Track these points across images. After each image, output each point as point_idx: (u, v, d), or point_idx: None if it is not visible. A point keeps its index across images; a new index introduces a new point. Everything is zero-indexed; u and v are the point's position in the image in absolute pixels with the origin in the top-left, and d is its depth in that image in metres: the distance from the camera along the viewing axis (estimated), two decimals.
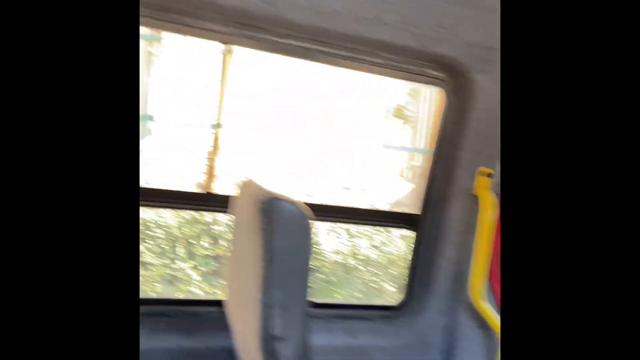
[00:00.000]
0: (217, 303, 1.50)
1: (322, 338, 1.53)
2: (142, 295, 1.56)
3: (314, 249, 0.87)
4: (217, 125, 1.52)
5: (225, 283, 1.29)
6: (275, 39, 1.29)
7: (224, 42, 1.34)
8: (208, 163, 1.48)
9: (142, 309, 1.45)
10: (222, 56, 1.49)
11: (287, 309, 0.83)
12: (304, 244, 0.86)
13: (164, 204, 1.50)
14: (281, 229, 0.86)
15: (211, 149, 1.54)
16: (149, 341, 1.36)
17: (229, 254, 1.26)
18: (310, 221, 0.88)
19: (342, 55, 1.37)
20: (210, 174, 1.47)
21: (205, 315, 1.48)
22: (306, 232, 0.87)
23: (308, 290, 0.85)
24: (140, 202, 1.48)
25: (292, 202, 0.89)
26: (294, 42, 1.32)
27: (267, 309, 0.82)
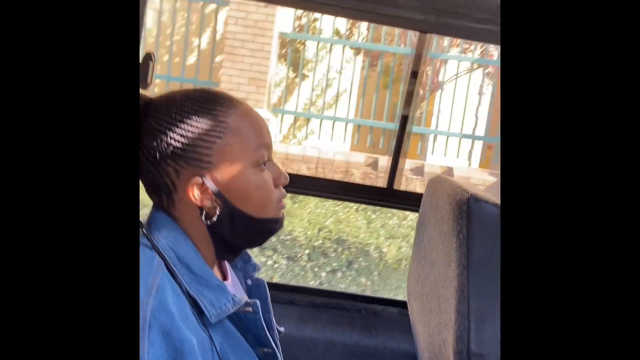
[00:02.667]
0: (398, 304, 1.46)
1: None
2: (323, 287, 1.59)
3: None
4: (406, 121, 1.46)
5: (408, 285, 1.23)
6: (475, 25, 1.18)
7: (422, 31, 1.27)
8: (393, 157, 1.43)
9: (322, 300, 1.47)
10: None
11: (491, 324, 0.73)
12: None
13: (349, 198, 1.50)
14: (483, 233, 0.77)
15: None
16: (327, 334, 1.36)
17: (413, 255, 1.19)
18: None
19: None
20: (395, 170, 1.42)
21: (385, 314, 1.44)
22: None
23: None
24: (320, 194, 1.50)
25: (494, 204, 0.79)
26: (493, 28, 1.20)
27: (466, 322, 0.74)
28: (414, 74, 1.50)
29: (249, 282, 0.85)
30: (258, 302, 0.71)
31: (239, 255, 0.79)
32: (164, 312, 0.60)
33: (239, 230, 0.71)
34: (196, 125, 0.67)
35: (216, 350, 0.65)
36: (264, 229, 0.73)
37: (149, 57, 1.06)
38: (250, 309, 0.70)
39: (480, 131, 5.34)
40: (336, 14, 1.22)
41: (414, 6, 1.15)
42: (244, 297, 0.71)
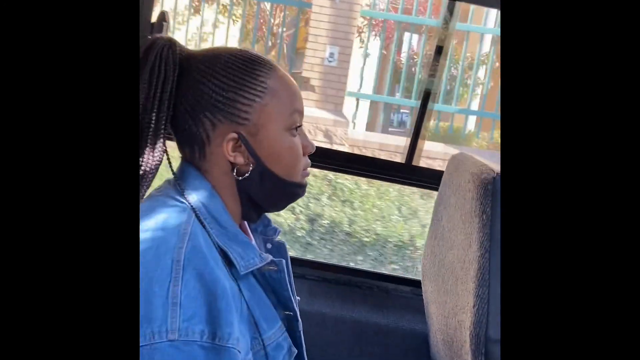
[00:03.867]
0: (411, 282, 1.43)
1: None
2: (335, 262, 1.56)
3: None
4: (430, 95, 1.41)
5: (423, 264, 1.19)
6: None
7: None
8: (413, 133, 1.38)
9: (333, 276, 1.45)
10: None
11: None
12: None
13: (367, 173, 1.46)
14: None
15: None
16: (338, 309, 1.34)
17: (429, 234, 1.16)
18: None
19: None
20: (414, 146, 1.37)
21: (397, 293, 1.42)
22: None
23: None
24: (341, 168, 1.46)
25: None
26: None
27: (485, 306, 0.71)
28: (439, 49, 1.45)
29: (269, 245, 0.85)
30: (283, 260, 0.72)
31: (261, 217, 0.80)
32: (198, 254, 0.62)
33: (266, 190, 0.73)
34: (239, 81, 0.69)
35: (245, 300, 0.67)
36: (289, 191, 0.75)
37: (162, 17, 1.02)
38: (274, 267, 0.71)
39: (368, 90, 5.31)
40: None
41: None
42: (269, 255, 0.72)
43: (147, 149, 0.67)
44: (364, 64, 4.93)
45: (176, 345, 0.57)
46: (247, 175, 0.71)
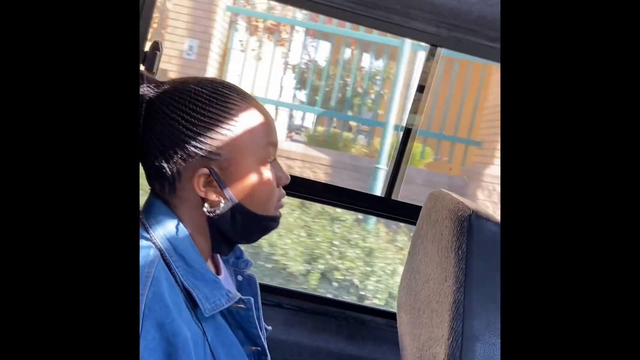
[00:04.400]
0: (386, 314, 1.45)
1: None
2: (311, 292, 1.58)
3: None
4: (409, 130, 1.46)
5: (398, 297, 1.22)
6: (486, 42, 1.18)
7: (433, 44, 1.27)
8: (393, 168, 1.42)
9: (310, 305, 1.45)
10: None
11: (484, 343, 0.73)
12: None
13: (346, 206, 1.49)
14: (483, 251, 0.76)
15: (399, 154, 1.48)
16: (314, 339, 1.35)
17: (406, 267, 1.18)
18: None
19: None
20: (394, 180, 1.41)
21: (372, 324, 1.43)
22: None
23: None
24: (319, 199, 1.49)
25: (496, 222, 0.78)
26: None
27: (460, 338, 0.73)
28: (421, 88, 1.50)
29: (240, 278, 0.84)
30: (252, 299, 0.71)
31: (232, 250, 0.79)
32: (159, 303, 0.59)
33: (238, 225, 0.71)
34: (209, 116, 0.67)
35: (209, 344, 0.65)
36: (262, 225, 0.73)
37: (155, 46, 1.05)
38: (242, 305, 0.70)
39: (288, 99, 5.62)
40: (350, 20, 1.22)
41: (427, 19, 1.14)
42: (237, 294, 0.70)
43: None
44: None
45: None
46: (218, 211, 0.69)
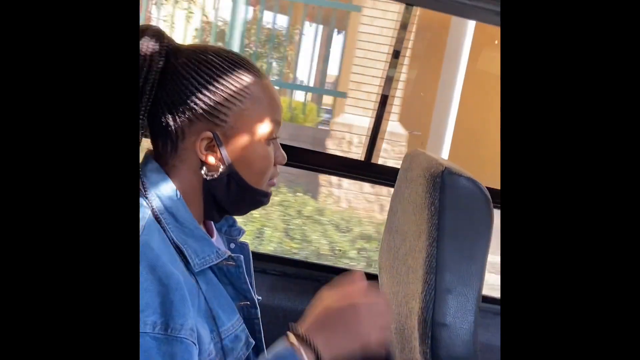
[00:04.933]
0: (370, 276, 1.46)
1: (480, 334, 1.40)
2: (294, 257, 1.59)
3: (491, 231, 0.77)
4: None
5: (379, 258, 1.23)
6: (467, 1, 1.17)
7: (408, 3, 1.25)
8: (372, 132, 1.42)
9: (293, 270, 1.47)
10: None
11: (457, 295, 0.74)
12: (480, 225, 0.76)
13: (327, 170, 1.49)
14: (455, 205, 0.77)
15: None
16: (298, 304, 1.37)
17: (385, 228, 1.20)
18: (488, 200, 0.78)
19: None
20: (374, 144, 1.41)
21: None
22: (483, 211, 0.77)
23: (482, 277, 0.75)
24: (304, 166, 1.49)
25: (468, 178, 0.79)
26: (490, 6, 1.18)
27: (432, 292, 0.75)
28: (396, 54, 1.49)
29: (232, 245, 0.86)
30: (242, 256, 0.73)
31: (223, 218, 0.81)
32: (150, 250, 0.62)
33: (231, 194, 0.73)
34: (223, 83, 0.69)
35: (203, 294, 0.67)
36: (254, 199, 0.75)
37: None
38: (232, 262, 0.72)
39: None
40: None
41: None
42: (227, 251, 0.72)
43: None
44: None
45: None
46: (215, 176, 0.71)
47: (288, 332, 0.67)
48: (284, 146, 1.45)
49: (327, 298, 0.71)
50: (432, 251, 0.77)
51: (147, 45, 0.68)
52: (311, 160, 1.48)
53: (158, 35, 0.70)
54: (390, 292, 1.07)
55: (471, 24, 5.31)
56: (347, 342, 0.66)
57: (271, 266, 1.47)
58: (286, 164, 1.47)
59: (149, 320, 0.59)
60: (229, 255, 0.72)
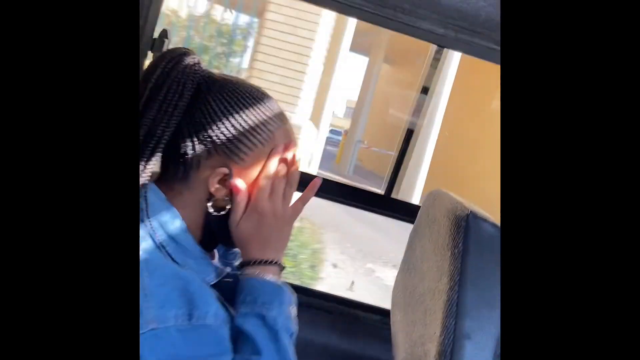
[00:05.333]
0: (380, 311, 1.45)
1: None
2: (306, 286, 1.59)
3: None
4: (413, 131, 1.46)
5: (393, 294, 1.23)
6: (492, 45, 1.19)
7: (440, 45, 1.27)
8: (394, 166, 1.43)
9: (305, 299, 1.46)
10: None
11: (476, 342, 0.73)
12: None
13: (346, 202, 1.49)
14: (479, 250, 0.77)
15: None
16: (307, 333, 1.36)
17: (402, 265, 1.19)
18: None
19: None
20: (395, 178, 1.42)
21: (367, 321, 1.44)
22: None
23: (500, 324, 0.75)
24: (323, 195, 1.49)
25: (493, 223, 0.79)
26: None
27: (451, 336, 0.74)
28: (425, 90, 1.50)
29: (229, 269, 0.85)
30: (239, 274, 0.74)
31: (216, 247, 0.81)
32: (153, 262, 0.63)
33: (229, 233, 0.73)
34: (249, 123, 0.70)
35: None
36: None
37: (164, 34, 1.06)
38: (231, 279, 0.74)
39: None
40: (357, 17, 1.22)
41: (435, 20, 1.15)
42: (226, 269, 0.74)
43: (142, 161, 0.67)
44: None
45: (156, 333, 0.57)
46: (222, 212, 0.71)
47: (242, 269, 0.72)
48: (305, 173, 1.47)
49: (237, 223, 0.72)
50: (453, 295, 0.76)
51: (184, 69, 0.68)
52: (330, 190, 1.49)
53: (196, 62, 0.70)
54: (404, 330, 1.06)
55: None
56: (276, 236, 0.72)
57: None
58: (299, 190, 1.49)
59: (170, 314, 0.59)
60: (228, 273, 0.73)
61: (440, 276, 0.83)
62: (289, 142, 0.74)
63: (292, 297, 0.73)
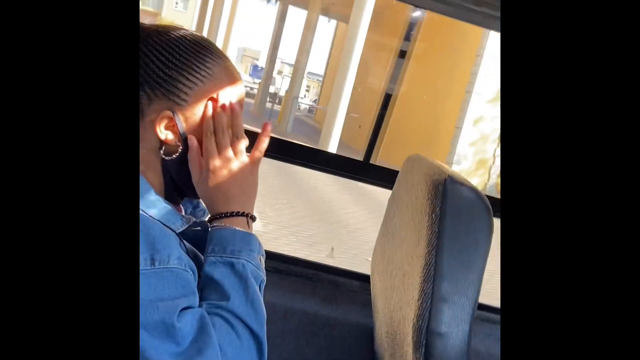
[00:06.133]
0: (360, 277, 1.46)
1: (481, 343, 1.41)
2: (288, 254, 1.58)
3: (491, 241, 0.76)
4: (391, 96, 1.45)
5: (372, 260, 1.23)
6: (472, 6, 1.16)
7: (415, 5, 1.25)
8: (372, 133, 1.42)
9: (285, 267, 1.46)
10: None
11: (453, 304, 0.74)
12: (480, 235, 0.76)
13: (325, 169, 1.48)
14: (456, 214, 0.77)
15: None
16: (288, 300, 1.36)
17: (381, 231, 1.19)
18: (489, 210, 0.78)
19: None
20: (373, 145, 1.41)
21: (347, 286, 1.45)
22: (484, 221, 0.76)
23: (479, 287, 0.75)
24: (298, 162, 1.48)
25: (470, 187, 0.79)
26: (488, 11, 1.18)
27: (429, 300, 0.74)
28: (402, 54, 1.48)
29: (198, 228, 0.85)
30: (206, 221, 0.74)
31: (183, 199, 0.80)
32: None
33: (188, 174, 0.72)
34: (185, 61, 0.69)
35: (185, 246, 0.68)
36: None
37: None
38: (199, 227, 0.73)
39: None
40: None
41: None
42: (192, 217, 0.73)
43: None
44: None
45: None
46: (174, 157, 0.70)
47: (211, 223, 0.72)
48: (284, 142, 1.45)
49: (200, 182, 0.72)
50: (431, 259, 0.76)
51: None
52: (308, 158, 1.48)
53: None
54: (383, 295, 1.06)
55: None
56: (237, 190, 0.72)
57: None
58: (283, 160, 1.47)
59: None
60: (194, 221, 0.72)
61: (418, 241, 0.83)
62: (232, 79, 0.73)
63: (261, 247, 0.72)
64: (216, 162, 0.70)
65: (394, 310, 0.93)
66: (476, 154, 9.87)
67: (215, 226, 0.71)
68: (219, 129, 0.71)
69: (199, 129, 0.70)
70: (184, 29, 0.73)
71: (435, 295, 0.75)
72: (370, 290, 1.23)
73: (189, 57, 0.69)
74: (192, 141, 0.70)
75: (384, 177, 1.45)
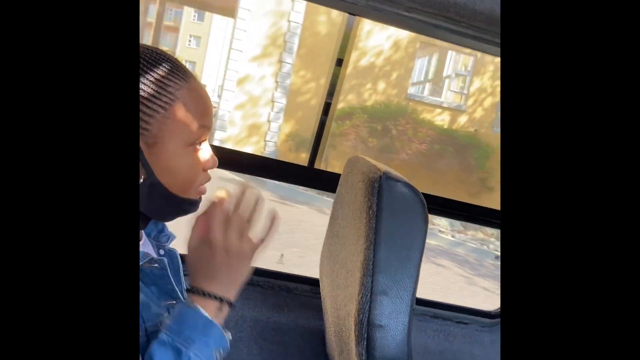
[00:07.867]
0: (310, 281, 1.47)
1: (431, 340, 1.44)
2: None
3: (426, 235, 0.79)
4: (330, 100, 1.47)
5: (320, 262, 1.24)
6: (403, 12, 1.21)
7: (351, 13, 1.28)
8: (315, 138, 1.43)
9: (258, 279, 1.45)
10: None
11: (391, 297, 0.76)
12: (415, 229, 0.79)
13: (270, 176, 1.49)
14: (392, 209, 0.79)
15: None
16: (239, 309, 1.36)
17: (327, 233, 1.21)
18: (424, 205, 0.80)
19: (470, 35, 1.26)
20: (316, 150, 1.43)
21: (298, 291, 1.46)
22: (419, 215, 0.79)
23: (416, 279, 0.78)
24: (239, 169, 1.48)
25: (405, 183, 0.81)
26: (419, 17, 1.23)
27: (369, 294, 0.76)
28: (339, 62, 1.51)
29: (161, 252, 0.82)
30: (165, 259, 0.71)
31: (147, 224, 0.77)
32: None
33: (154, 204, 0.69)
34: (143, 88, 0.64)
35: None
36: (179, 208, 0.71)
37: None
38: (156, 265, 0.70)
39: None
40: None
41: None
42: (149, 253, 0.70)
43: None
44: None
45: None
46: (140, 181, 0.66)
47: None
48: (228, 149, 1.45)
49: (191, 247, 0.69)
50: (369, 254, 0.78)
51: None
52: (254, 165, 1.48)
53: None
54: (330, 295, 1.08)
55: None
56: (226, 273, 0.68)
57: None
58: (227, 168, 1.47)
59: None
60: (151, 258, 0.70)
61: (358, 237, 0.85)
62: (199, 102, 0.68)
63: (223, 340, 0.66)
64: (219, 240, 0.66)
65: (340, 308, 0.95)
66: (245, 118, 9.09)
67: (186, 299, 0.67)
68: (235, 221, 0.67)
69: (164, 158, 0.66)
70: (144, 45, 0.67)
71: (375, 288, 0.77)
72: (320, 293, 1.25)
73: (148, 82, 0.64)
74: (203, 219, 0.67)
75: (328, 181, 1.47)
